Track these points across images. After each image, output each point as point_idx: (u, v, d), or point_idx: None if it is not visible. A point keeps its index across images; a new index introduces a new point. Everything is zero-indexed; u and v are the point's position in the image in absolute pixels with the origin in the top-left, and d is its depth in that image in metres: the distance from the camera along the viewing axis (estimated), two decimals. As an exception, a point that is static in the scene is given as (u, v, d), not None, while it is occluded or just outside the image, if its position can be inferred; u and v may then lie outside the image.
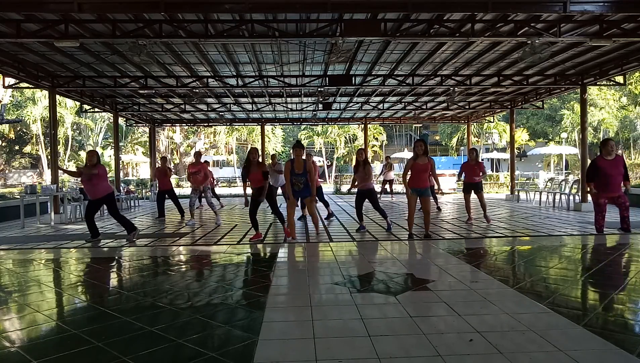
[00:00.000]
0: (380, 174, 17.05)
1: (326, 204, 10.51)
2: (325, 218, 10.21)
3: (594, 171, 7.19)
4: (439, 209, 12.00)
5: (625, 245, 6.50)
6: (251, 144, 38.26)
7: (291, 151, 7.26)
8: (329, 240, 7.65)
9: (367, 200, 8.30)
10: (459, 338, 2.90)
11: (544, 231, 8.19)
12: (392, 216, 10.62)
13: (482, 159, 9.60)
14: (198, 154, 10.66)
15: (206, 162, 12.78)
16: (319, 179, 10.92)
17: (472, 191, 9.52)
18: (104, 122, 34.41)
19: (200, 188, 10.11)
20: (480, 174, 9.49)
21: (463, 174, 9.56)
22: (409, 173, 7.21)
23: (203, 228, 9.34)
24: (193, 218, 9.87)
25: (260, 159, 7.83)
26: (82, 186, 9.07)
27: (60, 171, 9.64)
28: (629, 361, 2.58)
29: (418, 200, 7.34)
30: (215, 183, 27.17)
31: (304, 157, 7.25)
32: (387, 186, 16.82)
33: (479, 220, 9.53)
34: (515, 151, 21.57)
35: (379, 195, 16.53)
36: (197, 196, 10.33)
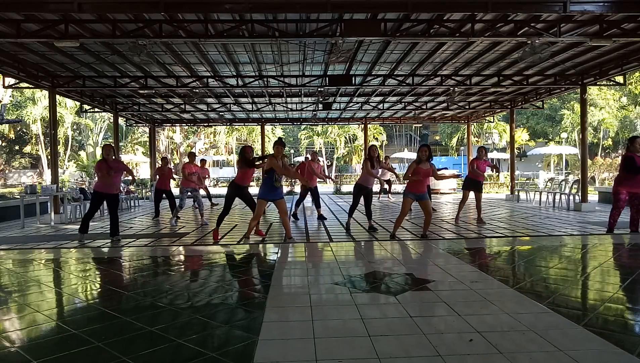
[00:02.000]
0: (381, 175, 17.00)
1: (317, 205, 10.49)
2: (317, 218, 10.23)
3: (635, 163, 6.98)
4: (433, 210, 11.93)
5: (626, 245, 6.50)
6: (251, 144, 38.23)
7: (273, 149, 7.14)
8: (329, 240, 7.65)
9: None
10: (459, 338, 2.90)
11: (544, 231, 8.19)
12: (391, 216, 10.62)
13: (488, 161, 9.69)
14: (192, 155, 10.66)
15: (203, 160, 12.76)
16: (318, 179, 10.89)
17: (473, 189, 9.47)
18: (104, 122, 34.40)
19: (192, 188, 10.12)
20: (485, 169, 9.45)
21: (475, 165, 9.39)
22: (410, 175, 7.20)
23: (203, 228, 9.34)
24: (177, 218, 9.90)
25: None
26: (83, 186, 9.03)
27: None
28: (629, 361, 2.58)
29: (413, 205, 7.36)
30: (216, 183, 27.18)
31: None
32: (385, 186, 16.80)
33: (468, 222, 9.43)
34: (515, 151, 21.57)
35: (378, 196, 16.62)
36: (186, 197, 10.21)
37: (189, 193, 10.11)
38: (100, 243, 7.53)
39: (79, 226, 7.92)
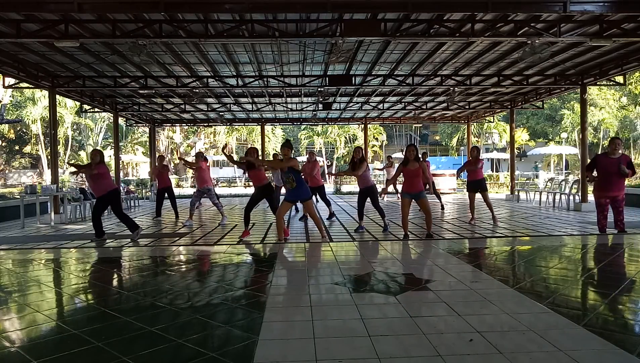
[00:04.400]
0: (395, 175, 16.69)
1: (328, 204, 10.49)
2: (327, 219, 10.20)
3: (590, 164, 7.49)
4: (442, 208, 11.97)
5: (625, 245, 6.50)
6: (251, 144, 38.25)
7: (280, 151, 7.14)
8: (329, 239, 7.65)
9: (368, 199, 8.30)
10: (459, 338, 2.90)
11: (544, 231, 8.19)
12: (393, 216, 10.62)
13: (482, 159, 9.64)
14: (200, 155, 10.63)
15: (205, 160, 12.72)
16: (321, 179, 10.88)
17: (477, 190, 9.44)
18: (104, 122, 34.41)
19: (204, 188, 10.09)
20: (480, 166, 9.48)
21: (464, 172, 9.52)
22: (399, 177, 7.22)
23: (203, 228, 9.34)
24: (191, 219, 9.81)
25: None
26: (83, 186, 9.04)
27: (68, 168, 9.24)
28: (629, 361, 2.58)
29: (412, 204, 7.37)
30: (216, 183, 27.30)
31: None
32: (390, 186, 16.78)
33: (480, 220, 9.51)
34: (515, 151, 21.57)
35: (382, 195, 16.56)
36: (200, 197, 10.27)
37: (204, 193, 10.10)
38: (102, 243, 7.53)
39: (94, 234, 7.79)
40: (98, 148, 33.57)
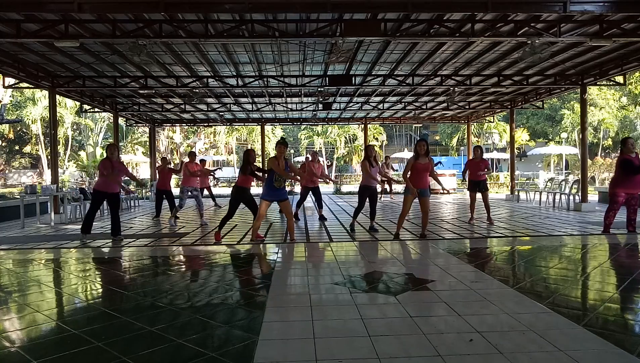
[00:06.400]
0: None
1: (320, 206, 10.46)
2: (318, 219, 10.20)
3: (633, 165, 6.87)
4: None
5: (626, 245, 6.50)
6: (251, 144, 38.27)
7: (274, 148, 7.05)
8: (329, 240, 7.65)
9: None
10: (459, 338, 2.90)
11: (544, 231, 8.19)
12: (392, 216, 10.62)
13: (486, 160, 9.61)
14: (193, 154, 10.60)
15: (203, 161, 12.69)
16: (319, 180, 10.85)
17: (478, 190, 9.47)
18: (104, 122, 34.40)
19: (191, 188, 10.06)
20: (485, 170, 9.48)
21: (467, 172, 9.51)
22: (409, 172, 7.16)
23: (203, 228, 9.34)
24: (176, 218, 9.84)
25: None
26: (83, 186, 9.01)
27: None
28: (629, 361, 2.58)
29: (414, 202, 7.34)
30: (216, 183, 27.35)
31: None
32: (386, 186, 16.81)
33: (479, 220, 9.52)
34: (515, 151, 21.57)
35: (380, 196, 16.59)
36: (186, 197, 10.15)
37: (190, 193, 10.05)
38: (100, 243, 7.54)
39: (80, 227, 7.91)
40: (96, 148, 33.69)
